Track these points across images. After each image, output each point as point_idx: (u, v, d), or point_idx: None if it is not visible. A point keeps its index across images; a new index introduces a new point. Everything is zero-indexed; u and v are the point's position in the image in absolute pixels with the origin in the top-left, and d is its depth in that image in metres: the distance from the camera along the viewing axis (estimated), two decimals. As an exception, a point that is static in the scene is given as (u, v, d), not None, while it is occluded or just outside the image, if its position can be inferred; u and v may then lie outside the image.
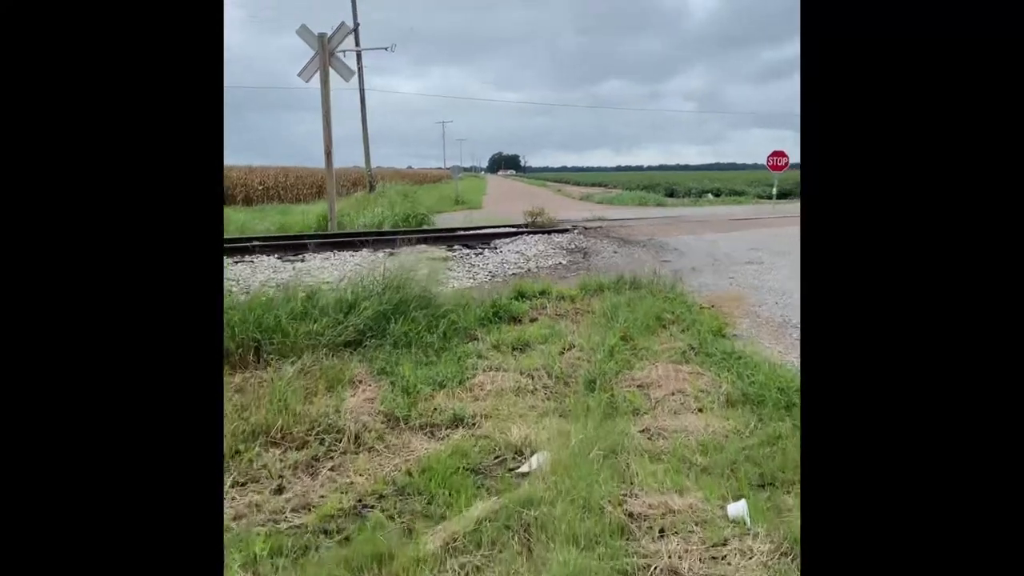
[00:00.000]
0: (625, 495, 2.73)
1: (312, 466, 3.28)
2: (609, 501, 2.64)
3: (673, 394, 3.74)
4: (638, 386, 3.95)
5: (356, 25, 29.95)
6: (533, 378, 4.17)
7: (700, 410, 3.58)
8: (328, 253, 9.08)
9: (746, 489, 2.75)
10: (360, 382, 4.23)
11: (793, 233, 11.08)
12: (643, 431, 3.34)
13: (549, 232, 10.88)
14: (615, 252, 9.23)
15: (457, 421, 3.65)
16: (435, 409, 3.76)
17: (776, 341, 4.99)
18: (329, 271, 8.03)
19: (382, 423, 3.67)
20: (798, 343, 4.68)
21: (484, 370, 4.34)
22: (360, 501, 2.97)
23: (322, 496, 3.00)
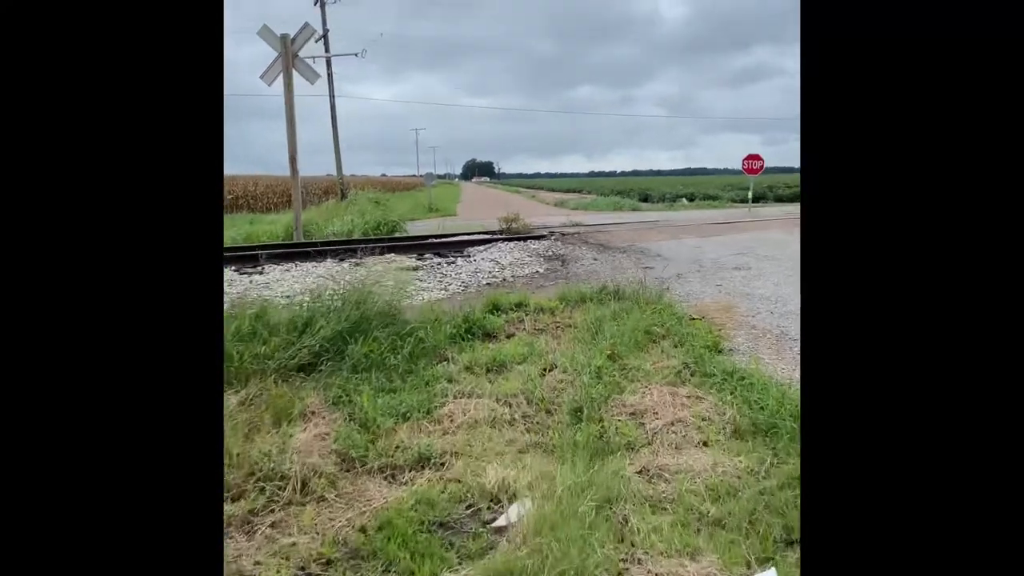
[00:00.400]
0: (625, 561, 2.23)
1: (249, 522, 2.73)
2: (606, 570, 2.15)
3: (672, 424, 3.25)
4: (631, 414, 3.46)
5: (325, 31, 29.44)
6: (511, 406, 3.65)
7: (704, 444, 3.09)
8: (290, 264, 8.49)
9: (771, 548, 2.27)
10: (313, 414, 3.68)
11: (777, 238, 10.71)
12: (640, 472, 2.85)
13: (525, 239, 10.41)
14: (595, 259, 8.77)
15: (423, 461, 3.12)
16: (397, 447, 3.23)
17: (777, 356, 4.54)
18: (289, 283, 7.47)
19: (335, 465, 3.13)
20: (799, 357, 4.26)
21: (455, 397, 3.81)
22: (303, 569, 2.44)
23: (257, 563, 2.46)
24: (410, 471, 3.07)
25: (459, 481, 2.93)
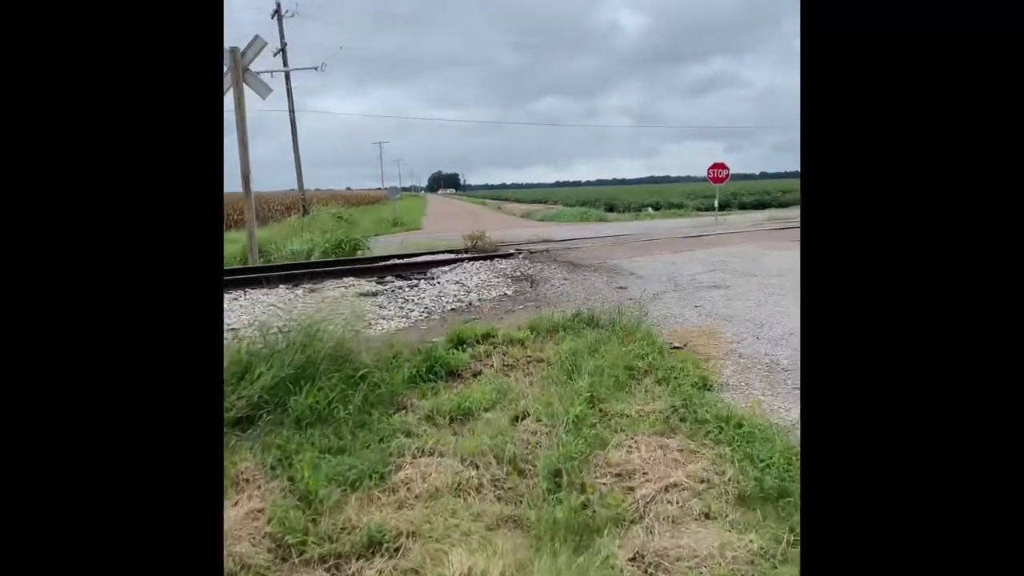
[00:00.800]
0: None
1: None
2: None
3: (666, 490, 2.78)
4: (616, 475, 2.99)
5: (283, 45, 28.86)
6: (478, 467, 3.15)
7: (706, 516, 2.63)
8: (239, 292, 7.88)
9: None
10: (247, 482, 3.14)
11: (750, 252, 10.40)
12: (633, 559, 2.37)
13: (491, 257, 9.91)
14: (565, 279, 8.31)
15: (373, 546, 2.61)
16: (344, 527, 2.71)
17: (772, 392, 4.12)
18: (237, 314, 6.87)
19: (268, 553, 2.60)
20: (797, 392, 3.84)
21: (414, 456, 3.30)
22: None
23: None
24: (358, 559, 2.55)
25: (416, 572, 2.43)
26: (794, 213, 22.23)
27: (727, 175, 22.25)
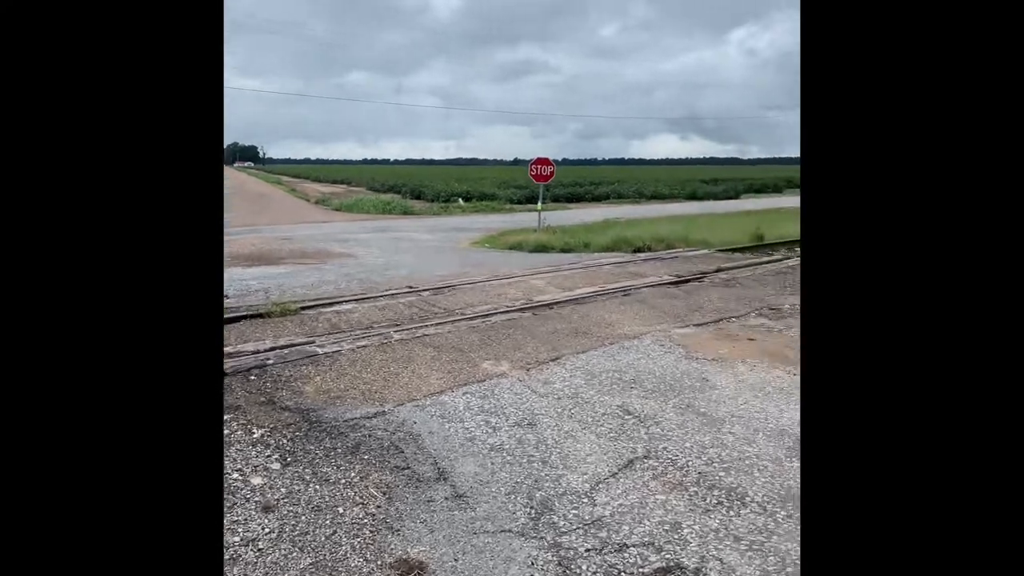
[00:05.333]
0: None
1: None
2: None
3: None
4: None
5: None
6: None
7: None
8: None
9: None
10: None
11: (669, 367, 7.09)
12: None
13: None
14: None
15: None
16: None
17: None
18: None
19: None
20: None
21: None
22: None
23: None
24: None
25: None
26: (628, 211, 19.56)
27: (552, 173, 19.62)
